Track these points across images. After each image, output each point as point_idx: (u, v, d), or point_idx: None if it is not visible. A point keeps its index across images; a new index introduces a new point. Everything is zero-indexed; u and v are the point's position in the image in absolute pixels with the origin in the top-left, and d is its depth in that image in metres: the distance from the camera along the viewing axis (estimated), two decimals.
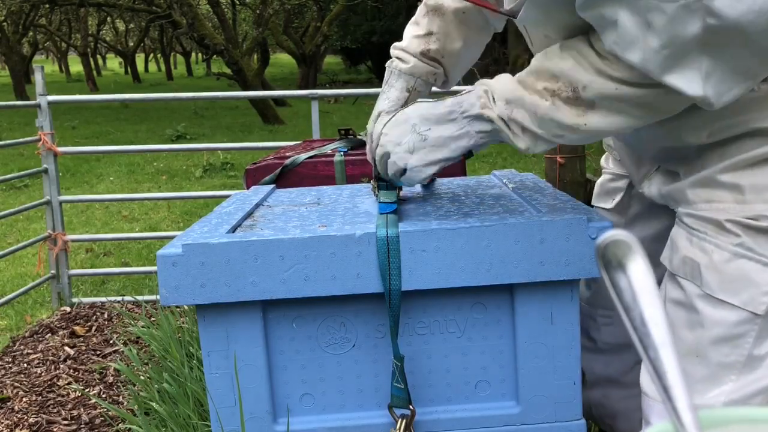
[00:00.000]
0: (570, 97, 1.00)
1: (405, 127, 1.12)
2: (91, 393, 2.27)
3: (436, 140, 1.09)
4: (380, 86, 1.29)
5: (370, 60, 23.79)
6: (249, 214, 1.32)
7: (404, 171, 1.13)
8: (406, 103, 1.25)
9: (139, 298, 3.03)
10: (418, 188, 1.47)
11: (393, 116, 1.15)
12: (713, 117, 0.98)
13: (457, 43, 1.25)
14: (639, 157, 1.21)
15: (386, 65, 1.28)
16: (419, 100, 1.17)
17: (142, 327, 2.44)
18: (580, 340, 1.43)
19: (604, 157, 1.39)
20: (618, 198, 1.34)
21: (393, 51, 1.29)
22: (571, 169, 2.44)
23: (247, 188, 1.84)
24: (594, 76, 0.98)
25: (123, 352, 2.51)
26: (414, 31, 1.28)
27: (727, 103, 0.92)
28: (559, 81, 1.01)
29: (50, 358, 2.56)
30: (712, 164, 1.01)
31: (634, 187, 1.29)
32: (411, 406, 1.12)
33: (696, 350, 1.00)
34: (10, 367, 2.51)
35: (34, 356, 2.59)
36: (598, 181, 1.40)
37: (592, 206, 1.39)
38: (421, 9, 1.28)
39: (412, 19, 1.30)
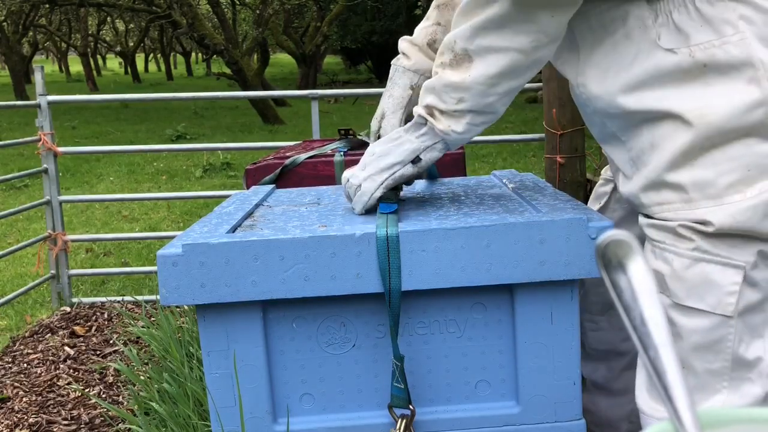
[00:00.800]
0: (452, 60, 1.07)
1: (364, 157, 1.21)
2: (91, 393, 2.27)
3: (382, 150, 1.17)
4: (380, 86, 1.29)
5: (370, 60, 23.78)
6: (249, 214, 1.32)
7: (359, 187, 1.18)
8: (410, 101, 1.25)
9: (139, 298, 3.03)
10: (418, 188, 1.47)
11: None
12: (639, 83, 0.98)
13: None
14: None
15: (392, 62, 1.29)
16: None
17: (142, 327, 2.44)
18: None
19: (606, 166, 1.40)
20: (603, 201, 1.35)
21: (401, 44, 1.30)
22: (571, 169, 2.44)
23: (247, 188, 1.84)
24: (458, 28, 1.06)
25: (123, 352, 2.51)
26: (422, 24, 1.30)
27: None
28: (444, 52, 1.09)
29: (50, 358, 2.56)
30: (650, 160, 1.00)
31: (617, 192, 1.29)
32: (411, 406, 1.12)
33: (682, 362, 0.97)
34: (10, 367, 2.51)
35: (34, 356, 2.59)
36: (595, 187, 1.41)
37: None
38: (432, 4, 1.31)
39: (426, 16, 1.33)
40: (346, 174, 1.21)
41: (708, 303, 0.96)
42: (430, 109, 1.11)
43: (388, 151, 1.16)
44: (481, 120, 1.11)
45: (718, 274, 0.95)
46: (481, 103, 1.07)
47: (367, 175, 1.17)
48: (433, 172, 1.56)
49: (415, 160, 1.15)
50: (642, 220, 1.06)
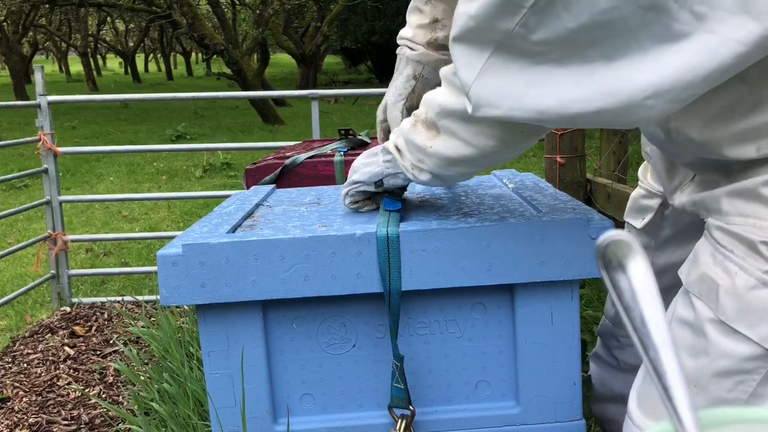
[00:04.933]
0: (426, 119, 1.05)
1: None
2: (91, 393, 2.27)
3: (356, 166, 1.21)
4: (380, 86, 1.29)
5: (370, 60, 23.78)
6: (249, 214, 1.32)
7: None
8: (413, 91, 1.23)
9: (139, 298, 3.03)
10: (418, 188, 1.47)
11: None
12: (762, 130, 0.86)
13: None
14: (672, 164, 1.09)
15: (397, 51, 1.27)
16: None
17: (142, 327, 2.44)
18: (603, 355, 1.40)
19: (642, 167, 1.27)
20: (648, 218, 1.24)
21: (399, 41, 1.27)
22: (571, 169, 2.44)
23: (247, 188, 1.84)
24: (437, 94, 1.02)
25: (123, 352, 2.51)
26: (418, 19, 1.24)
27: (483, 117, 0.89)
28: (423, 105, 1.07)
29: (50, 358, 2.56)
30: (757, 175, 0.88)
31: (667, 208, 1.20)
32: (411, 407, 1.12)
33: (695, 380, 0.91)
34: (10, 367, 2.51)
35: (34, 356, 2.59)
36: (632, 195, 1.30)
37: (624, 221, 1.31)
38: None
39: (413, 4, 1.25)
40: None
41: (759, 333, 0.86)
42: (398, 147, 1.12)
43: (359, 168, 1.20)
44: (441, 182, 1.11)
45: None
46: (438, 171, 1.07)
47: (346, 182, 1.24)
48: None
49: (378, 183, 1.18)
50: (712, 221, 0.94)
